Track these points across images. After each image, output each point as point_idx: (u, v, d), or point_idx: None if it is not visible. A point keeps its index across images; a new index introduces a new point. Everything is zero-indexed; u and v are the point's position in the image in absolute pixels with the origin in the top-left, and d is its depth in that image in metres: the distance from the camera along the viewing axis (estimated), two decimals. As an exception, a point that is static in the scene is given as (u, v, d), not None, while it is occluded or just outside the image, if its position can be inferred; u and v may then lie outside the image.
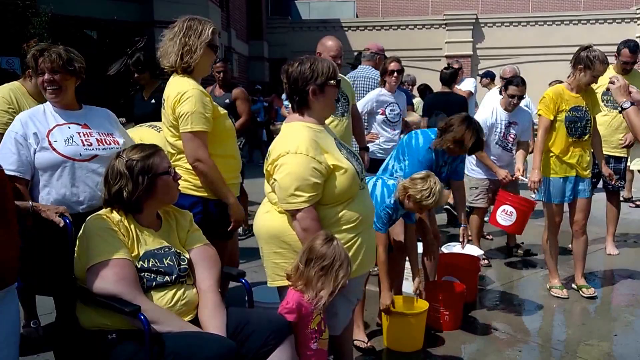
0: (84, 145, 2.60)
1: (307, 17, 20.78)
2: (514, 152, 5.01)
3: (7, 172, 2.39)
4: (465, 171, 5.03)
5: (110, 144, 2.68)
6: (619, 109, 3.46)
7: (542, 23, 18.68)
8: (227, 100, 5.48)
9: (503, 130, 4.87)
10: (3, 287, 1.90)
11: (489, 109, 4.94)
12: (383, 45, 5.71)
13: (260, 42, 18.69)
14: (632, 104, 3.39)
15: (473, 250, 4.58)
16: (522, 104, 4.99)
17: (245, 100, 5.64)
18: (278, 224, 2.41)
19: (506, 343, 3.49)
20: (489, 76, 7.82)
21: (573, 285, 4.36)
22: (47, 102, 2.68)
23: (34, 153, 2.54)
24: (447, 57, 17.47)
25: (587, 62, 3.97)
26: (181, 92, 2.74)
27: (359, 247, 2.41)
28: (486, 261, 4.96)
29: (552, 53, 17.01)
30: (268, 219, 2.46)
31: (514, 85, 4.77)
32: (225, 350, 1.97)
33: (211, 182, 2.78)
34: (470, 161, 5.02)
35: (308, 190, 2.26)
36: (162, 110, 2.92)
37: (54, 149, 2.55)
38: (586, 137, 4.10)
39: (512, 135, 4.90)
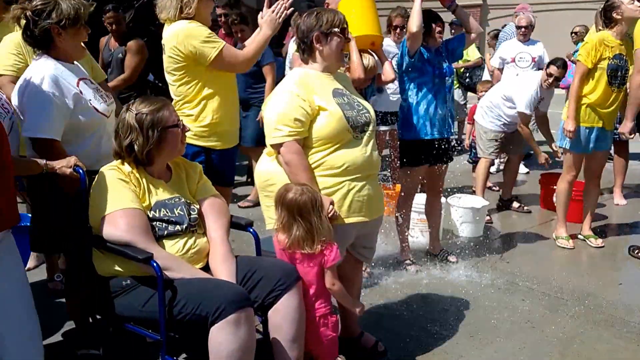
0: (105, 101, 2.54)
1: (315, -35, 20.16)
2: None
3: (44, 136, 2.31)
4: (482, 121, 4.99)
5: (110, 98, 2.65)
6: None
7: (557, -31, 18.04)
8: (120, 55, 4.93)
9: None
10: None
11: (534, 85, 4.75)
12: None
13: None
14: None
15: (478, 201, 4.62)
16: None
17: (136, 54, 4.85)
18: (265, 170, 2.53)
19: (510, 291, 3.57)
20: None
21: (579, 236, 4.41)
22: (48, 57, 2.43)
23: (72, 113, 2.38)
24: (457, 6, 17.01)
25: (612, 4, 3.87)
26: (179, 33, 2.84)
27: (344, 195, 2.42)
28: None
29: (566, 2, 16.49)
30: (260, 166, 2.58)
31: (555, 66, 4.66)
32: (235, 296, 2.03)
33: (260, 47, 2.99)
34: (487, 112, 4.96)
35: (289, 125, 2.35)
36: (164, 56, 2.98)
37: (95, 109, 2.45)
38: (624, 87, 4.01)
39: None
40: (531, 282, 3.71)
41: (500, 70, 6.34)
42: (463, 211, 4.54)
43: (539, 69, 6.14)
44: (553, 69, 4.64)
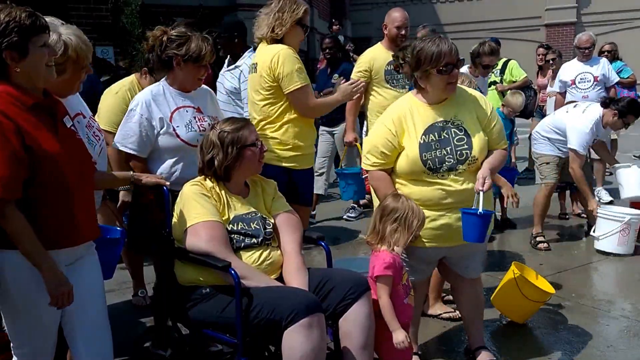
0: (199, 131, 2.79)
1: (392, -8, 20.58)
2: None
3: (127, 150, 2.79)
4: (536, 147, 4.87)
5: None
6: None
7: (659, -19, 17.29)
8: None
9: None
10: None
11: (590, 123, 4.56)
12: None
13: (344, 20, 18.80)
14: None
15: None
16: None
17: None
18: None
19: (593, 316, 3.50)
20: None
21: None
22: (164, 82, 2.85)
23: (157, 135, 2.79)
24: (546, 25, 16.76)
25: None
26: (276, 55, 3.11)
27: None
28: None
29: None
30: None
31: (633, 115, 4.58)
32: (307, 302, 2.22)
33: (328, 106, 3.43)
34: (540, 135, 4.84)
35: (375, 156, 2.67)
36: (250, 75, 3.30)
37: (177, 135, 2.79)
38: None
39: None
40: (616, 308, 3.62)
41: (562, 94, 6.26)
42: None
43: (605, 88, 6.04)
44: (631, 118, 4.55)
